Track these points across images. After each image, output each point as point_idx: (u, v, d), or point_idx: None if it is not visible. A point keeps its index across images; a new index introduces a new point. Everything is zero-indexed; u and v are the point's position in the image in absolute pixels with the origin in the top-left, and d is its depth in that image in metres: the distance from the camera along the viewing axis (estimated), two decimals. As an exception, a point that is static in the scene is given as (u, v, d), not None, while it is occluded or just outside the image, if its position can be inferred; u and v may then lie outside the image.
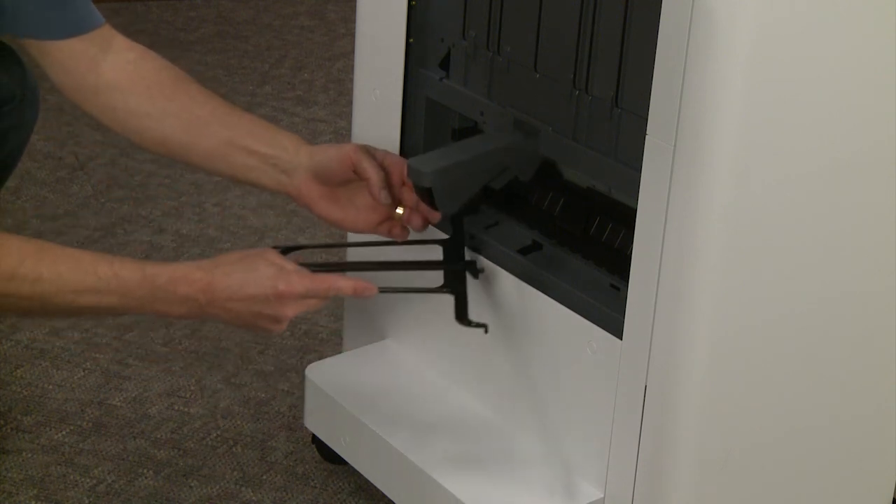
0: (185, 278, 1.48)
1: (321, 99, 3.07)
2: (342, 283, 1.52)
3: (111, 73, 1.63)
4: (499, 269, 1.61)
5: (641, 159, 1.39)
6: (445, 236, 1.64)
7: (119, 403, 2.00)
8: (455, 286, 1.59)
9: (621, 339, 1.47)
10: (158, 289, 1.47)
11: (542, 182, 1.68)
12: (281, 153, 1.63)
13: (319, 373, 1.77)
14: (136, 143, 1.69)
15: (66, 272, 1.45)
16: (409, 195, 1.61)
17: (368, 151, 1.61)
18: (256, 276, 1.49)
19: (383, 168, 1.61)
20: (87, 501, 1.80)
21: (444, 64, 1.67)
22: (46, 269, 1.44)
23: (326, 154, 1.62)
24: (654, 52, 1.34)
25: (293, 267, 1.51)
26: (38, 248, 1.45)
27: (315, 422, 1.79)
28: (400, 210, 1.62)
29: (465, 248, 1.64)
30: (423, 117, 1.69)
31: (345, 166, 1.60)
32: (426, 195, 1.55)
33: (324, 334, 2.20)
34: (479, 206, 1.68)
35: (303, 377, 1.80)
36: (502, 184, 1.60)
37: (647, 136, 1.37)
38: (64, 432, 1.93)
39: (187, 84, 1.66)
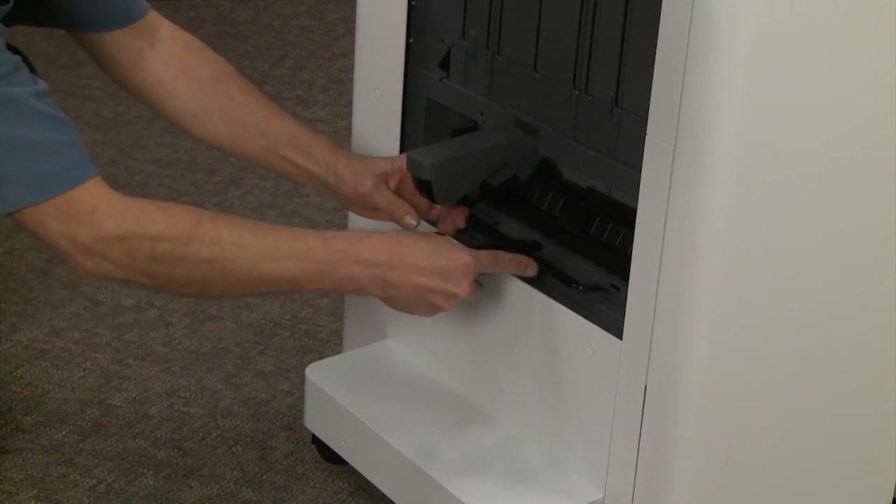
0: (366, 242, 1.45)
1: (321, 99, 3.07)
2: (515, 262, 1.54)
3: (156, 67, 1.62)
4: (499, 269, 1.62)
5: (641, 159, 1.39)
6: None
7: (119, 403, 2.00)
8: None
9: (621, 339, 1.47)
10: (339, 252, 1.43)
11: (542, 182, 1.68)
12: (316, 168, 1.63)
13: (319, 373, 1.77)
14: (190, 138, 1.69)
15: (246, 234, 1.40)
16: None
17: (383, 186, 1.61)
18: (442, 248, 1.48)
19: (400, 188, 1.63)
20: (87, 501, 1.80)
21: (444, 64, 1.67)
22: (226, 231, 1.38)
23: (346, 185, 1.62)
24: (654, 52, 1.34)
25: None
26: (214, 214, 1.40)
27: (315, 422, 1.79)
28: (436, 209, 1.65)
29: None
30: (423, 117, 1.69)
31: (364, 203, 1.62)
32: (425, 187, 1.55)
33: (324, 334, 2.20)
34: (477, 200, 1.68)
35: (303, 377, 1.80)
36: (501, 180, 1.61)
37: (647, 136, 1.37)
38: (64, 432, 1.93)
39: (227, 83, 1.65)
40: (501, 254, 1.54)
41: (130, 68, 1.62)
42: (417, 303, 1.49)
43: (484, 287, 1.58)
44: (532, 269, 1.56)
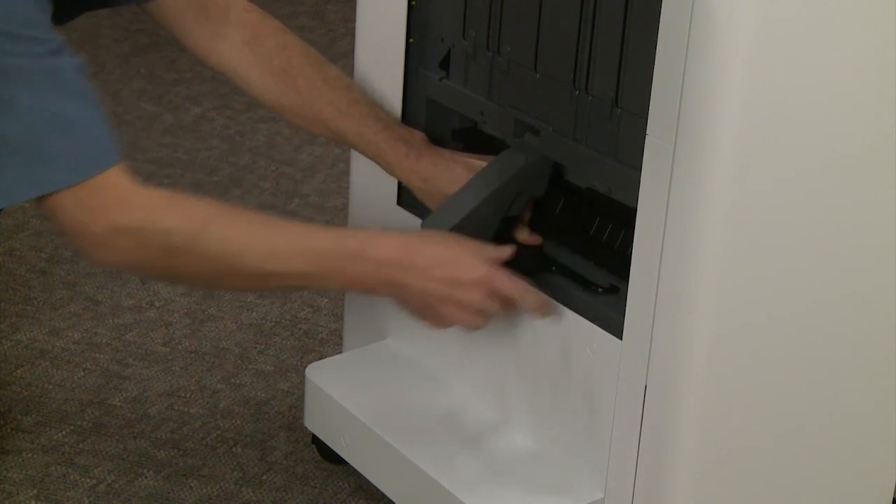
0: (378, 241, 1.43)
1: (321, 99, 3.07)
2: (532, 295, 1.50)
3: (228, 55, 1.63)
4: (499, 269, 1.61)
5: (641, 159, 1.39)
6: None
7: (119, 403, 2.00)
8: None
9: (621, 339, 1.47)
10: (350, 251, 1.42)
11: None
12: (386, 167, 1.64)
13: (319, 373, 1.77)
14: None
15: (258, 230, 1.39)
16: None
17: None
18: (457, 255, 1.46)
19: None
20: (87, 501, 1.80)
21: (444, 64, 1.67)
22: (238, 226, 1.38)
23: (417, 190, 1.63)
24: (654, 52, 1.34)
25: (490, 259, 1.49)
26: (230, 210, 1.40)
27: (315, 422, 1.79)
28: None
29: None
30: (423, 117, 1.69)
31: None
32: None
33: (324, 334, 2.20)
34: (507, 233, 1.64)
35: (303, 377, 1.80)
36: (520, 209, 1.60)
37: (647, 136, 1.37)
38: (64, 432, 1.93)
39: (294, 77, 1.64)
40: (522, 283, 1.49)
41: (204, 53, 1.63)
42: (426, 310, 1.47)
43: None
44: (545, 312, 1.52)
